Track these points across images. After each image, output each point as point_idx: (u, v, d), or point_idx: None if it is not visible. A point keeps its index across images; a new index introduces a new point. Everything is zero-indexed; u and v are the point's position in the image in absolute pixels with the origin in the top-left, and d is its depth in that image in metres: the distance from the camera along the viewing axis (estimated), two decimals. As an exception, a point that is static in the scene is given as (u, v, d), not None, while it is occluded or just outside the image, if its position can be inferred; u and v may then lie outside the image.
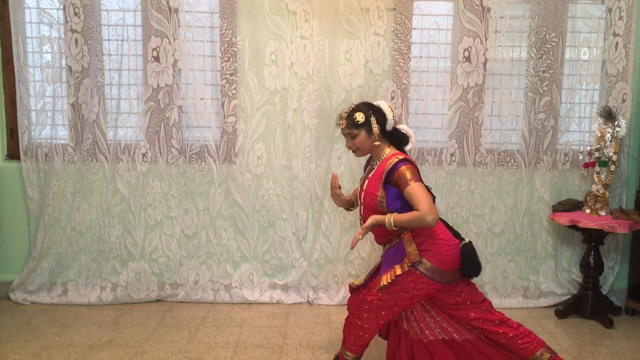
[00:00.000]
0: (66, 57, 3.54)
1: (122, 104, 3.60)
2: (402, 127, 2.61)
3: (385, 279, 2.43)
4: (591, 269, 3.50)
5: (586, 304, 3.52)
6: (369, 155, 2.64)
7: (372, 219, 2.42)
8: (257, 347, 3.08)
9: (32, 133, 3.62)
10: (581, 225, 3.37)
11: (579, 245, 3.72)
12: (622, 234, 3.57)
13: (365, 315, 2.52)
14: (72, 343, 3.09)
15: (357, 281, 2.64)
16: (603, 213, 3.46)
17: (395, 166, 2.43)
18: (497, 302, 3.70)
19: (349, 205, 2.79)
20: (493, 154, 3.68)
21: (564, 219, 3.45)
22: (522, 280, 3.77)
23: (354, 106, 2.57)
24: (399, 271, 2.41)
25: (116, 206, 3.67)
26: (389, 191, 2.45)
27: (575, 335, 3.31)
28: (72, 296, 3.66)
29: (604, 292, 3.69)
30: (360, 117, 2.51)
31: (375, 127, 2.51)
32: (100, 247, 3.67)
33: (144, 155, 3.63)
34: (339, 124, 2.57)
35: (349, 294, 2.67)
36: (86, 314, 3.51)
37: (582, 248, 3.69)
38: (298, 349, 3.07)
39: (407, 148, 2.62)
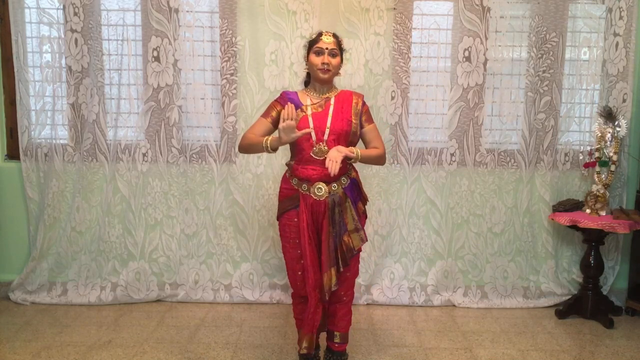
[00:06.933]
0: (66, 57, 3.54)
1: (122, 103, 3.59)
2: None
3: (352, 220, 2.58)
4: (591, 269, 3.50)
5: (586, 304, 3.51)
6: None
7: (349, 149, 2.47)
8: (257, 347, 3.08)
9: (32, 133, 3.62)
10: (581, 225, 3.37)
11: (579, 245, 3.72)
12: (622, 234, 3.57)
13: (353, 264, 2.65)
14: (71, 343, 3.09)
15: (333, 285, 2.56)
16: (603, 213, 3.46)
17: (364, 102, 2.66)
18: (497, 302, 3.71)
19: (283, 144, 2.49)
20: (493, 154, 3.68)
21: (564, 219, 3.44)
22: (523, 280, 3.77)
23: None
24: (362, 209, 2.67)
25: (116, 206, 3.67)
26: None
27: (576, 335, 3.30)
28: (71, 296, 3.65)
29: (604, 292, 3.68)
30: (344, 43, 2.70)
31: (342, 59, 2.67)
32: (100, 247, 3.67)
33: (144, 155, 3.63)
34: (322, 38, 2.57)
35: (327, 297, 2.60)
36: (86, 314, 3.51)
37: (582, 248, 3.69)
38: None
39: None
